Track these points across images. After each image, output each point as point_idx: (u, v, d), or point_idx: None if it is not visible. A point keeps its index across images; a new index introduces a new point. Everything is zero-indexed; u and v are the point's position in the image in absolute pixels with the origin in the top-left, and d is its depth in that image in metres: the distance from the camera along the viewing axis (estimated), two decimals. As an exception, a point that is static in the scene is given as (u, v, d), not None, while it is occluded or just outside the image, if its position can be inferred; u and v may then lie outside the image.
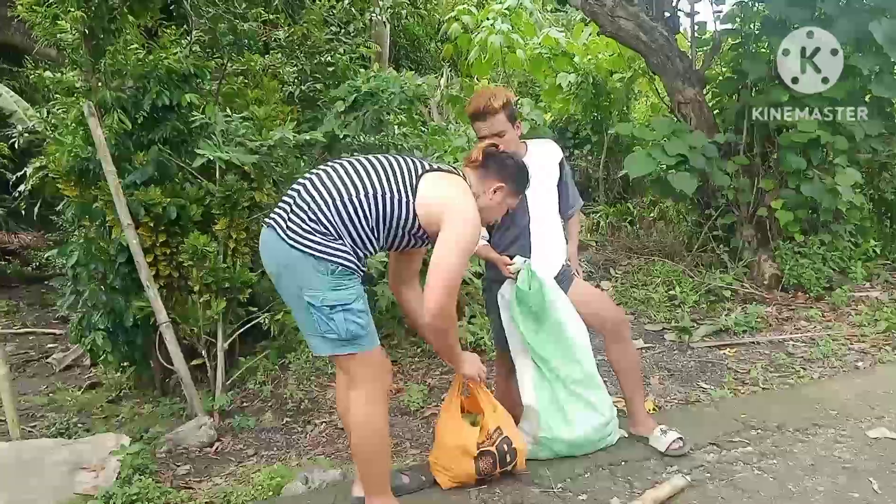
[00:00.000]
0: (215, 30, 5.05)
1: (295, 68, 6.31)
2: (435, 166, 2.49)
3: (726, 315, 4.81)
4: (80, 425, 4.14)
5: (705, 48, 6.24)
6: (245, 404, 4.07)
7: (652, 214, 6.58)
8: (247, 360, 4.26)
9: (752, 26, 5.82)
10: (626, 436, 3.05)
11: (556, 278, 2.93)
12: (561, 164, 3.06)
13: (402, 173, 2.42)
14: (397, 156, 2.53)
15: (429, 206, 2.39)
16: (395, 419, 3.73)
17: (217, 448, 3.56)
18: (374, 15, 6.38)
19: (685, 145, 5.22)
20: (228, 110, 4.52)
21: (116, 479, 2.99)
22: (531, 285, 2.82)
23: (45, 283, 5.28)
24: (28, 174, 6.07)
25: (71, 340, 4.68)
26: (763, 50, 5.77)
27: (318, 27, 5.80)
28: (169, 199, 3.98)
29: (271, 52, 6.23)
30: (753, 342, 4.43)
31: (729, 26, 6.07)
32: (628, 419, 3.10)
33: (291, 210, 2.39)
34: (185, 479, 3.26)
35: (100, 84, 4.18)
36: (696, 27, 6.24)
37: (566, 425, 2.83)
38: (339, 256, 2.33)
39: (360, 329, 2.37)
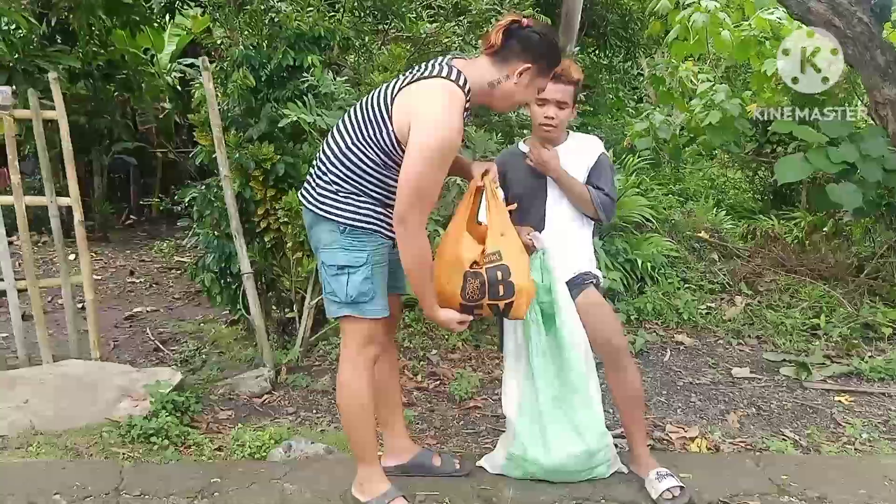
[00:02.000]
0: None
1: (457, 37, 6.31)
2: (415, 77, 2.23)
3: (869, 357, 4.06)
4: (201, 355, 4.54)
5: (920, 40, 5.22)
6: (317, 363, 4.20)
7: (825, 229, 5.69)
8: (335, 321, 4.38)
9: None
10: (626, 472, 2.70)
11: (567, 283, 2.65)
12: (598, 161, 2.73)
13: (378, 102, 2.27)
14: (395, 78, 2.33)
15: (399, 124, 2.20)
16: (437, 405, 3.65)
17: (265, 400, 3.72)
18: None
19: (856, 152, 4.43)
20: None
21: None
22: (543, 277, 2.57)
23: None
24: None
25: (188, 277, 5.10)
26: None
27: (474, -4, 5.73)
28: (279, 156, 4.15)
29: (430, 20, 6.27)
30: (884, 393, 3.70)
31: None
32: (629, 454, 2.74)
33: (309, 174, 2.43)
34: (220, 424, 3.43)
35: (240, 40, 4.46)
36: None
37: (543, 447, 2.56)
38: (347, 216, 2.29)
39: (363, 295, 2.32)
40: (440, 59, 2.34)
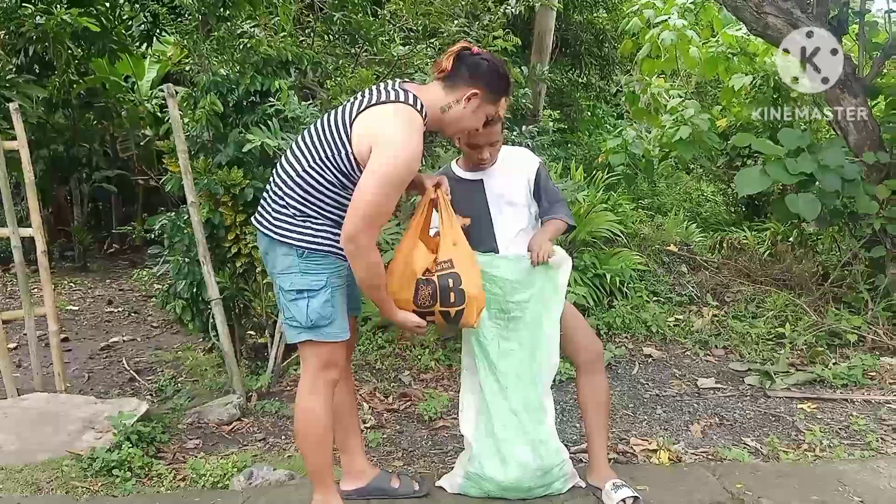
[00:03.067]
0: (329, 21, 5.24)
1: (429, 59, 6.39)
2: (374, 101, 2.29)
3: (833, 364, 4.11)
4: (177, 383, 4.53)
5: (876, 53, 5.31)
6: (288, 388, 4.20)
7: (790, 239, 5.77)
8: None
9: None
10: (584, 486, 2.73)
11: None
12: (537, 175, 2.77)
13: (336, 123, 2.31)
14: (348, 101, 2.39)
15: (359, 147, 2.25)
16: (406, 426, 3.67)
17: (233, 427, 3.71)
18: (510, 9, 6.22)
19: (814, 163, 4.51)
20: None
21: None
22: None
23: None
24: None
25: (158, 305, 5.10)
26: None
27: (441, 19, 5.81)
28: (247, 182, 4.18)
29: (402, 42, 6.35)
30: (846, 399, 3.75)
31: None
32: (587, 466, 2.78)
33: (264, 198, 2.46)
34: (187, 453, 3.41)
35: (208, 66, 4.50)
36: (866, 29, 5.33)
37: (500, 464, 2.60)
38: (305, 240, 2.32)
39: (323, 319, 2.35)
40: (391, 83, 2.39)
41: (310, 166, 2.32)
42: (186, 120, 4.44)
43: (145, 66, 9.77)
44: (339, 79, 6.02)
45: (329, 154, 2.29)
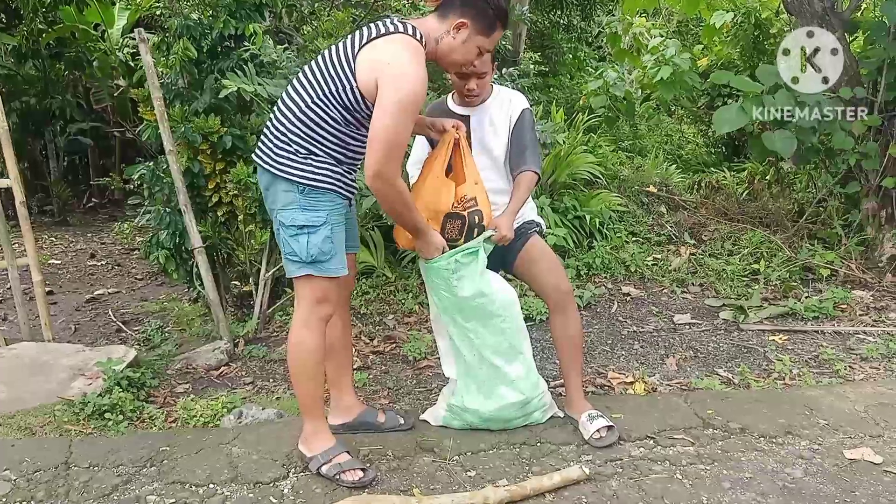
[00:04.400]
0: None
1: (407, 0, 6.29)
2: (374, 35, 2.29)
3: (806, 297, 4.22)
4: (164, 332, 4.57)
5: (855, -14, 5.31)
6: (274, 334, 4.27)
7: (767, 177, 5.85)
8: (291, 292, 4.43)
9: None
10: (562, 416, 2.83)
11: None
12: (520, 116, 2.77)
13: (339, 58, 2.32)
14: (350, 35, 2.38)
15: (364, 80, 2.26)
16: (391, 367, 3.75)
17: (222, 372, 3.78)
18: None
19: (791, 99, 4.54)
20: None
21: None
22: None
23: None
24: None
25: (141, 255, 5.11)
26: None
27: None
28: (225, 129, 4.15)
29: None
30: (817, 331, 3.86)
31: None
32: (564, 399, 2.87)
33: (264, 134, 2.47)
34: (177, 397, 3.48)
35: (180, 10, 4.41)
36: (844, -40, 5.32)
37: (481, 397, 2.68)
38: (305, 176, 2.35)
39: (323, 254, 2.39)
40: (387, 18, 2.39)
41: (313, 102, 2.33)
42: (160, 68, 4.38)
43: (115, 12, 9.51)
44: (315, 23, 5.94)
45: (333, 89, 2.30)
